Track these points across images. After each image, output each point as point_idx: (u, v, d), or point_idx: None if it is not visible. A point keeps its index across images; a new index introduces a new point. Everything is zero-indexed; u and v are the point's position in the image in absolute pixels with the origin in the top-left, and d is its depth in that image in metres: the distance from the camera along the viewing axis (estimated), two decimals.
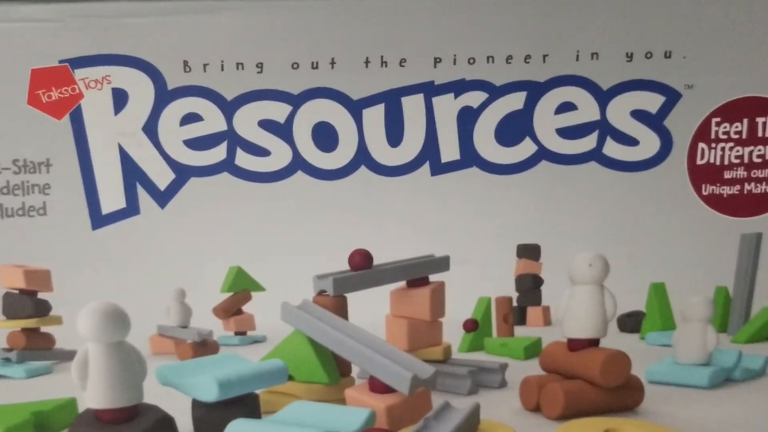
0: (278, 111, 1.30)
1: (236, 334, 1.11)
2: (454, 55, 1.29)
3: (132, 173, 1.29)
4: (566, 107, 1.30)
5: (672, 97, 1.28)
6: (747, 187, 1.28)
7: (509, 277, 1.22)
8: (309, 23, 1.28)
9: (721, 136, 1.28)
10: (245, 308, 1.13)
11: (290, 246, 1.30)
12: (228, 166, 1.31)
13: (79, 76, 1.27)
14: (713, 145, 1.28)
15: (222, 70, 1.29)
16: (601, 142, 1.30)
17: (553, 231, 1.29)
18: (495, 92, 1.30)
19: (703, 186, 1.29)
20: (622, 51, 1.28)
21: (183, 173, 1.30)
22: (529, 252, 1.23)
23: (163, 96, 1.28)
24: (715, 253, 1.23)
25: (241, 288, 1.12)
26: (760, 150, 1.27)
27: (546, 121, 1.30)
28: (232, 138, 1.30)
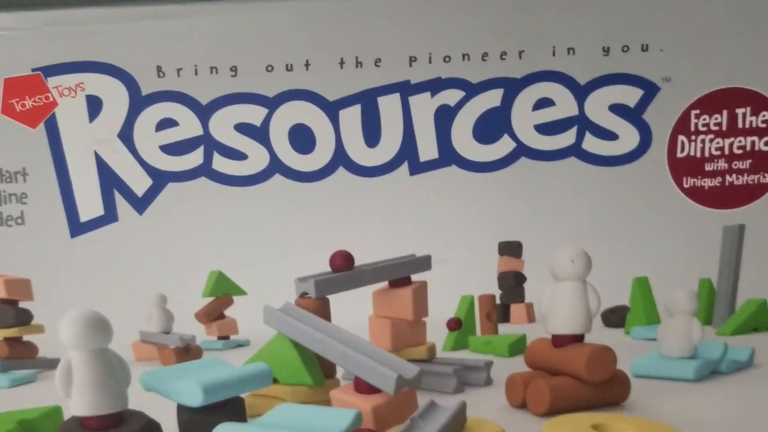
0: (254, 114, 1.30)
1: (219, 338, 1.10)
2: (430, 54, 1.29)
3: (109, 180, 1.29)
4: (544, 103, 1.30)
5: (650, 90, 1.28)
6: (728, 178, 1.28)
7: (491, 275, 1.22)
8: (282, 25, 1.28)
9: (701, 129, 1.28)
10: (227, 312, 1.12)
11: (270, 249, 1.30)
12: (205, 170, 1.30)
13: (52, 84, 1.26)
14: (693, 137, 1.28)
15: (196, 74, 1.28)
16: (580, 137, 1.30)
17: (534, 227, 1.29)
18: (472, 90, 1.30)
19: (684, 179, 1.29)
20: (598, 45, 1.28)
21: (160, 179, 1.30)
22: (510, 249, 1.23)
23: (138, 102, 1.28)
24: (698, 246, 1.23)
25: (223, 292, 1.11)
26: (740, 141, 1.28)
27: (524, 118, 1.30)
28: (208, 142, 1.30)
